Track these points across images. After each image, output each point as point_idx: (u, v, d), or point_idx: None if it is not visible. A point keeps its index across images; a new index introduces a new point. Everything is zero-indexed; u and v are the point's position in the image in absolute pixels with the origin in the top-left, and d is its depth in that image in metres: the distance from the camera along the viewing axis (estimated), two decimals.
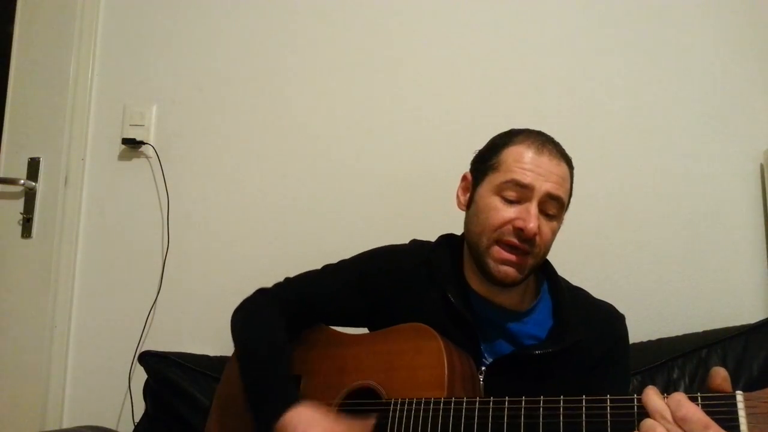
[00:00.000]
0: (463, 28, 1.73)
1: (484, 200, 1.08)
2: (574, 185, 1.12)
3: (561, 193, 1.05)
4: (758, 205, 1.59)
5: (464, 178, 1.16)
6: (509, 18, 1.72)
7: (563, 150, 1.10)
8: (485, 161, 1.11)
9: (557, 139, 1.11)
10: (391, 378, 1.04)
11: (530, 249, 1.04)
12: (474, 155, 1.16)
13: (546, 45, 1.70)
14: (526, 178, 1.03)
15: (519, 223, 1.03)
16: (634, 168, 1.63)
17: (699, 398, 0.76)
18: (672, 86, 1.64)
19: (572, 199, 1.12)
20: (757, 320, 1.45)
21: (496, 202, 1.06)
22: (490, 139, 1.14)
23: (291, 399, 1.03)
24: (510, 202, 1.05)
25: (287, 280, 1.27)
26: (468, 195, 1.14)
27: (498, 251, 1.04)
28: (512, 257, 1.04)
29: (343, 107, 1.76)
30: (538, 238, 1.04)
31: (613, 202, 1.62)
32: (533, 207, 1.03)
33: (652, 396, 0.78)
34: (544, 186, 1.03)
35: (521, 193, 1.04)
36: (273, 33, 1.82)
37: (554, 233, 1.08)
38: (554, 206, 1.05)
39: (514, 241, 1.03)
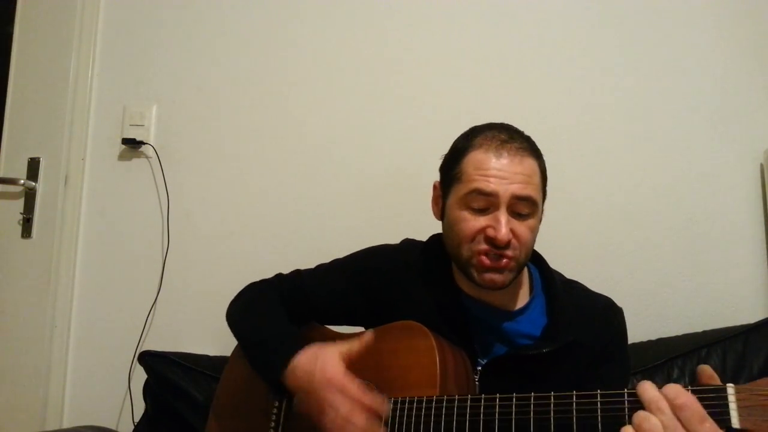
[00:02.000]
0: (463, 29, 1.73)
1: (454, 213, 1.06)
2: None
3: (529, 191, 1.02)
4: (758, 205, 1.58)
5: (435, 187, 1.15)
6: (508, 18, 1.72)
7: (527, 142, 1.06)
8: (449, 170, 1.08)
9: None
10: (384, 376, 1.04)
11: (510, 253, 1.02)
12: (440, 161, 1.13)
13: (545, 45, 1.69)
14: (489, 185, 1.01)
15: (490, 232, 1.01)
16: (634, 168, 1.63)
17: (690, 391, 0.77)
18: (672, 86, 1.64)
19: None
20: (757, 320, 1.45)
21: (465, 213, 1.03)
22: (453, 143, 1.12)
23: (294, 345, 1.04)
24: (478, 211, 1.03)
25: (279, 276, 1.27)
26: (440, 206, 1.12)
27: (479, 260, 1.03)
28: (492, 263, 1.02)
29: (342, 107, 1.76)
30: (514, 241, 1.02)
31: (613, 202, 1.62)
32: (502, 214, 1.01)
33: (647, 387, 0.78)
34: (509, 189, 1.00)
35: (487, 201, 1.01)
36: (273, 33, 1.82)
37: (533, 230, 1.05)
38: (526, 205, 1.02)
39: (488, 248, 1.02)
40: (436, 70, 1.73)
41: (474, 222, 1.03)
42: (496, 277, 1.03)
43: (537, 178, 1.05)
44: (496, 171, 1.01)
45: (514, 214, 1.02)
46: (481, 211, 1.03)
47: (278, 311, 1.19)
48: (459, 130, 1.69)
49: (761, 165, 1.58)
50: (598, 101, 1.66)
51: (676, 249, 1.59)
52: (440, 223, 1.15)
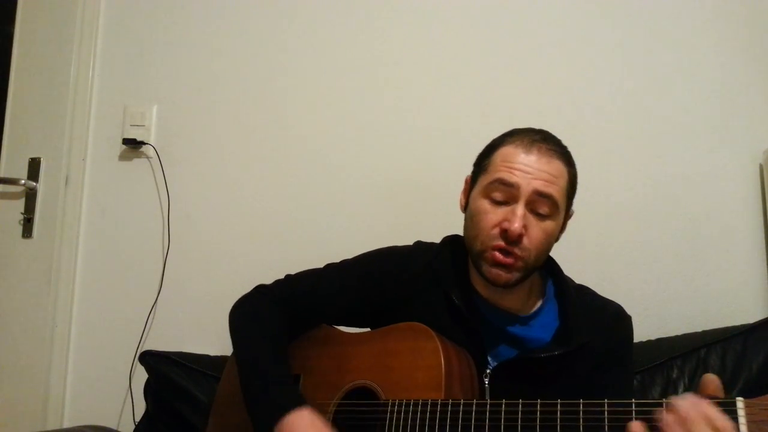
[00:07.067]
0: (462, 29, 1.73)
1: (476, 203, 1.07)
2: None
3: (552, 190, 1.02)
4: (758, 205, 1.58)
5: (466, 181, 1.16)
6: (509, 19, 1.72)
7: (560, 147, 1.07)
8: (479, 163, 1.11)
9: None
10: (388, 378, 1.04)
11: (519, 252, 1.02)
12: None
13: (545, 46, 1.69)
14: (512, 177, 1.02)
15: (504, 225, 1.01)
16: (633, 168, 1.63)
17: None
18: (672, 86, 1.64)
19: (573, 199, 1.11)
20: (757, 320, 1.44)
21: (485, 204, 1.05)
22: (490, 141, 1.13)
23: (293, 400, 1.02)
24: (498, 203, 1.03)
25: (288, 277, 1.25)
26: (466, 198, 1.14)
27: (491, 255, 1.03)
28: (502, 260, 1.02)
29: (342, 108, 1.76)
30: (525, 240, 1.01)
31: (613, 202, 1.62)
32: (519, 207, 1.01)
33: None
34: (531, 184, 1.01)
35: (508, 192, 1.02)
36: (273, 34, 1.82)
37: (548, 234, 1.04)
38: (546, 204, 1.02)
39: (502, 244, 1.02)
40: (438, 72, 1.73)
41: (492, 215, 1.03)
42: (502, 274, 1.03)
43: (563, 182, 1.05)
44: (522, 165, 1.02)
45: (534, 212, 1.02)
46: (501, 204, 1.03)
47: (278, 340, 1.14)
48: (459, 131, 1.69)
49: (761, 165, 1.59)
50: (598, 102, 1.66)
51: (675, 249, 1.59)
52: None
